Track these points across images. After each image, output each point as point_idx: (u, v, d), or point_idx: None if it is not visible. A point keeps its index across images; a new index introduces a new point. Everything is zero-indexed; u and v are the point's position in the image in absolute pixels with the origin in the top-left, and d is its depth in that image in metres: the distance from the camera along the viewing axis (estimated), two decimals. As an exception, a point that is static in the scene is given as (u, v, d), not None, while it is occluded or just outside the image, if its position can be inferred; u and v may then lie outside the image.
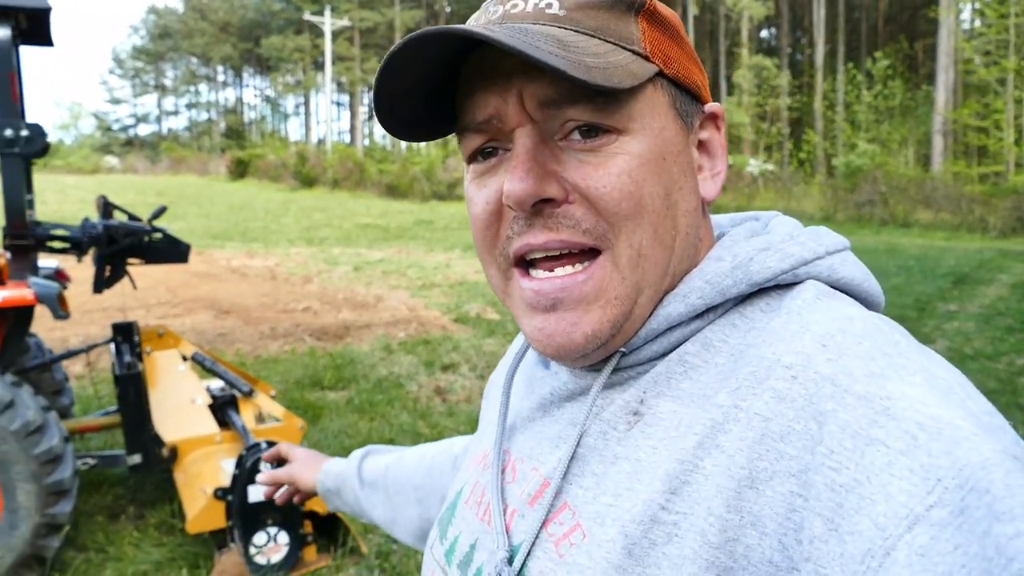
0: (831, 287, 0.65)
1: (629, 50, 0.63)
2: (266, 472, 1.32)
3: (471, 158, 0.68)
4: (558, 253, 0.63)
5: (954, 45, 31.26)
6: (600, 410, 0.66)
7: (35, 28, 3.73)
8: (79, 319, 8.68)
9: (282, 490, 1.30)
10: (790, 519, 0.51)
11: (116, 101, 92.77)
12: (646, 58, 0.63)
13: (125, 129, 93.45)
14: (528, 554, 0.64)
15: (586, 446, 0.65)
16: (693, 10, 46.49)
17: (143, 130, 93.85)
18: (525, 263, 0.66)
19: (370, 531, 3.85)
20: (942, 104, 30.57)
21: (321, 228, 20.72)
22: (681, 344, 0.65)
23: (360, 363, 7.08)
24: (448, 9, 68.49)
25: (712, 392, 0.60)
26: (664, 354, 0.66)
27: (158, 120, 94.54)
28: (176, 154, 62.61)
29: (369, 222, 22.41)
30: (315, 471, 1.26)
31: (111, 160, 66.70)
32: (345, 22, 57.92)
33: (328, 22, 52.55)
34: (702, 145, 0.71)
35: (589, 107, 0.61)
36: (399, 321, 8.99)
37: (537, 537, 0.64)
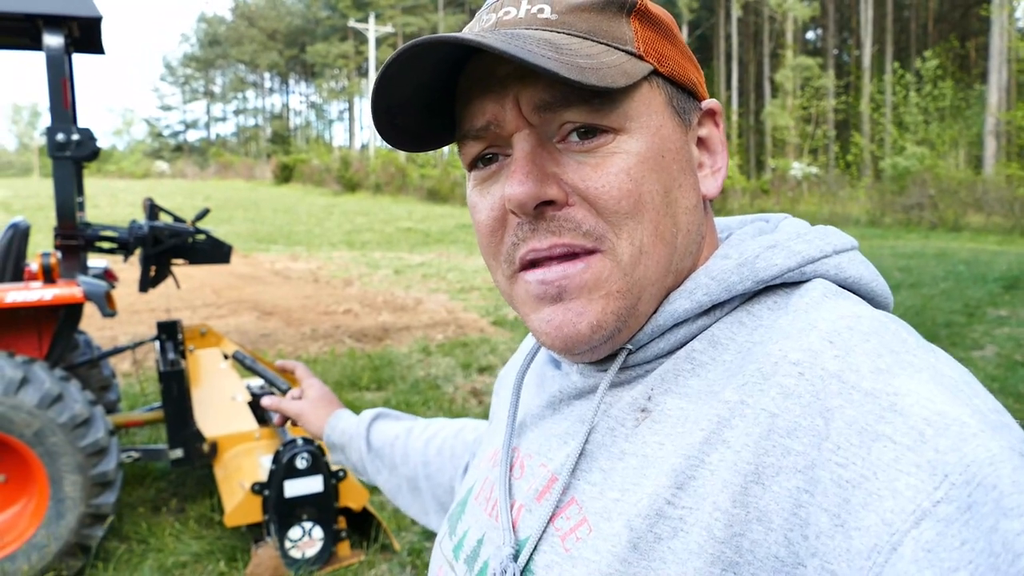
0: (839, 286, 0.65)
1: (622, 50, 0.63)
2: (275, 399, 1.28)
3: (472, 165, 0.69)
4: (562, 256, 0.64)
5: (1007, 44, 30.40)
6: (608, 407, 0.67)
7: (87, 36, 3.87)
8: (128, 318, 8.94)
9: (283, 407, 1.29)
10: (796, 515, 0.51)
11: (167, 108, 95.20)
12: (640, 57, 0.64)
13: (175, 135, 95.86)
14: (535, 548, 0.65)
15: (594, 443, 0.66)
16: (737, 12, 46.02)
17: (192, 136, 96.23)
18: (531, 263, 0.66)
19: (403, 528, 3.91)
20: (995, 104, 29.72)
21: (363, 232, 20.99)
22: (688, 342, 0.66)
23: (398, 364, 7.17)
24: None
25: (719, 388, 0.60)
26: (671, 351, 0.66)
27: (207, 126, 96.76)
28: (224, 159, 63.92)
29: (410, 226, 22.62)
30: (323, 418, 1.25)
31: (161, 165, 68.38)
32: (389, 28, 58.52)
33: (372, 29, 53.18)
34: (702, 142, 0.71)
35: (585, 108, 0.61)
36: (438, 323, 9.07)
37: (544, 532, 0.65)
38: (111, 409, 4.63)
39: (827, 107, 40.99)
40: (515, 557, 0.65)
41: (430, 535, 3.88)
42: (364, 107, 76.41)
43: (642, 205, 0.62)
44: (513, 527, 0.68)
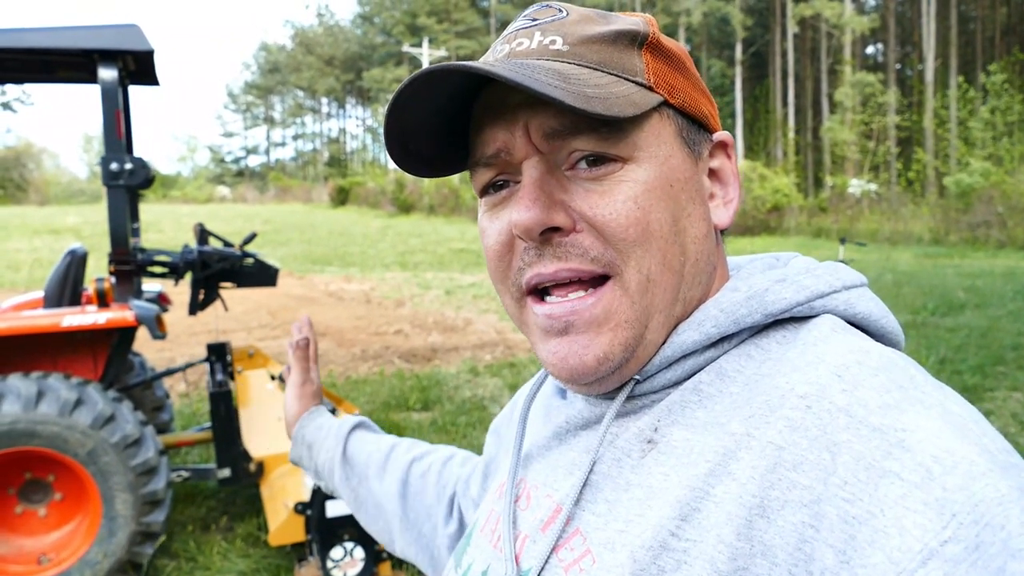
0: (849, 322, 0.65)
1: (632, 81, 0.64)
2: (290, 350, 1.25)
3: (483, 191, 0.70)
4: (568, 281, 0.65)
5: (1078, 55, 29.32)
6: (614, 438, 0.67)
7: (142, 69, 4.03)
8: (187, 340, 9.19)
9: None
10: (801, 550, 0.51)
11: (229, 134, 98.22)
12: (649, 88, 0.65)
13: (237, 160, 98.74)
14: None
15: (600, 473, 0.66)
16: (793, 28, 45.45)
17: (253, 161, 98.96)
18: (539, 291, 0.67)
19: (444, 550, 3.91)
20: (1066, 118, 28.68)
21: (416, 253, 21.24)
22: (695, 373, 0.66)
23: (446, 385, 7.21)
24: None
25: (725, 420, 0.60)
26: (678, 382, 0.66)
27: (267, 151, 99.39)
28: (282, 183, 65.56)
29: (463, 247, 22.80)
30: (303, 402, 1.23)
31: (223, 190, 70.44)
32: (442, 52, 59.37)
33: (426, 53, 54.03)
34: (713, 173, 0.72)
35: (593, 137, 0.62)
36: (486, 344, 9.10)
37: (547, 562, 0.65)
38: (163, 429, 4.76)
39: (889, 123, 40.07)
40: None
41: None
42: (419, 130, 77.43)
43: (649, 233, 0.63)
44: (517, 558, 0.68)
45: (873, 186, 31.36)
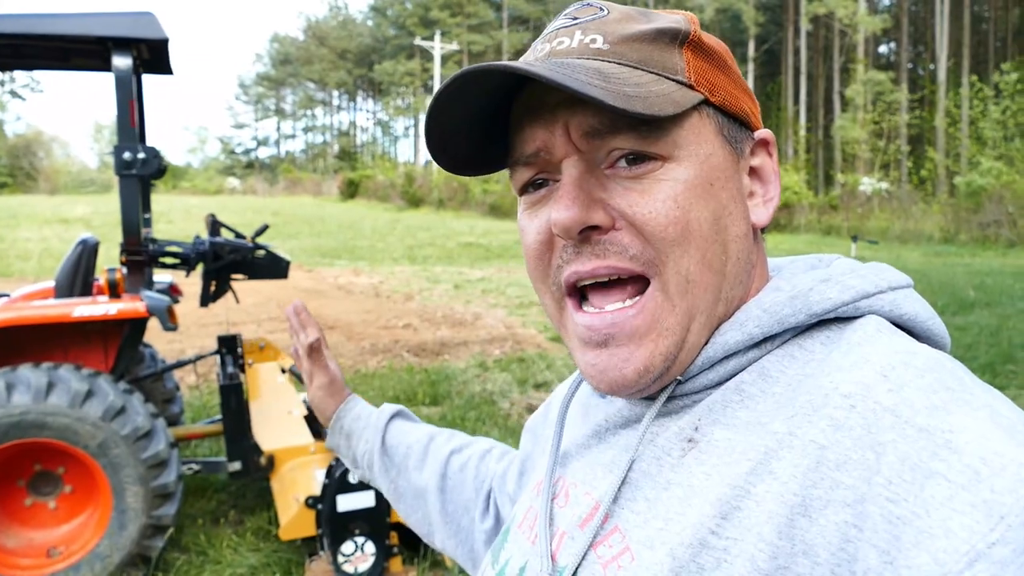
0: (894, 324, 0.64)
1: (673, 80, 0.64)
2: (304, 359, 1.21)
3: (522, 190, 0.71)
4: (607, 280, 0.65)
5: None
6: (654, 436, 0.67)
7: (156, 58, 3.99)
8: (197, 331, 9.19)
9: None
10: (844, 549, 0.50)
11: (239, 126, 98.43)
12: (690, 87, 0.64)
13: (247, 152, 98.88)
14: (575, 575, 0.65)
15: (640, 472, 0.66)
16: (806, 25, 45.20)
17: (263, 153, 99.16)
18: (578, 291, 0.67)
19: (455, 547, 3.88)
20: (1079, 119, 28.46)
21: (425, 247, 21.23)
22: (737, 373, 0.65)
23: (455, 379, 7.18)
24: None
25: (768, 420, 0.59)
26: (719, 383, 0.66)
27: (277, 143, 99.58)
28: (292, 175, 65.69)
29: (472, 241, 22.80)
30: (335, 398, 1.20)
31: (233, 181, 70.67)
32: (454, 46, 59.32)
33: (438, 47, 53.99)
34: (754, 171, 0.71)
35: (633, 136, 0.62)
36: (495, 339, 9.08)
37: (584, 558, 0.64)
38: (174, 422, 4.74)
39: (900, 122, 39.83)
40: None
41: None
42: (428, 124, 77.42)
43: (689, 232, 0.62)
44: (554, 555, 0.68)
45: (884, 184, 31.19)
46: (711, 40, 0.68)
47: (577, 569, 0.65)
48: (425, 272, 15.82)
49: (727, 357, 0.65)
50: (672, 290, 0.63)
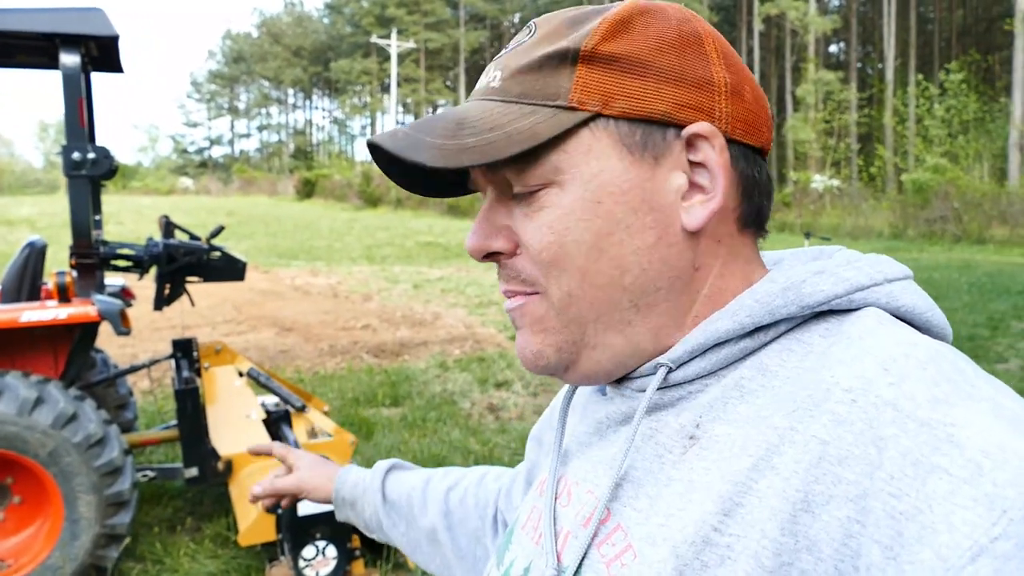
0: (893, 315, 0.64)
1: (550, 106, 0.64)
2: (268, 482, 1.24)
3: None
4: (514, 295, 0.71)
5: (1032, 56, 30.00)
6: (655, 433, 0.67)
7: (105, 55, 3.90)
8: (150, 335, 9.00)
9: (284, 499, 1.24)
10: (847, 545, 0.50)
11: (192, 124, 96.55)
12: (572, 108, 0.63)
13: (200, 151, 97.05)
14: (579, 574, 0.65)
15: (641, 469, 0.66)
16: (758, 26, 45.90)
17: (217, 152, 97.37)
18: None
19: (418, 549, 3.87)
20: (1019, 117, 29.35)
21: (383, 247, 21.08)
22: (732, 363, 0.65)
23: (415, 380, 7.15)
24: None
25: (768, 414, 0.59)
26: (713, 372, 0.66)
27: (231, 142, 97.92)
28: (247, 175, 64.68)
29: (431, 240, 22.70)
30: (327, 478, 1.22)
31: (186, 181, 69.36)
32: (411, 44, 59.01)
33: (395, 44, 53.65)
34: (699, 166, 0.66)
35: (512, 169, 0.66)
36: (455, 339, 9.05)
37: (586, 557, 0.65)
38: (128, 428, 4.63)
39: (849, 120, 40.66)
40: None
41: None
42: (386, 122, 76.94)
43: (564, 256, 0.65)
44: (559, 555, 0.69)
45: (835, 182, 31.79)
46: (617, 44, 0.64)
47: (580, 567, 0.65)
48: (384, 272, 15.70)
49: (718, 345, 0.65)
50: (555, 303, 0.67)
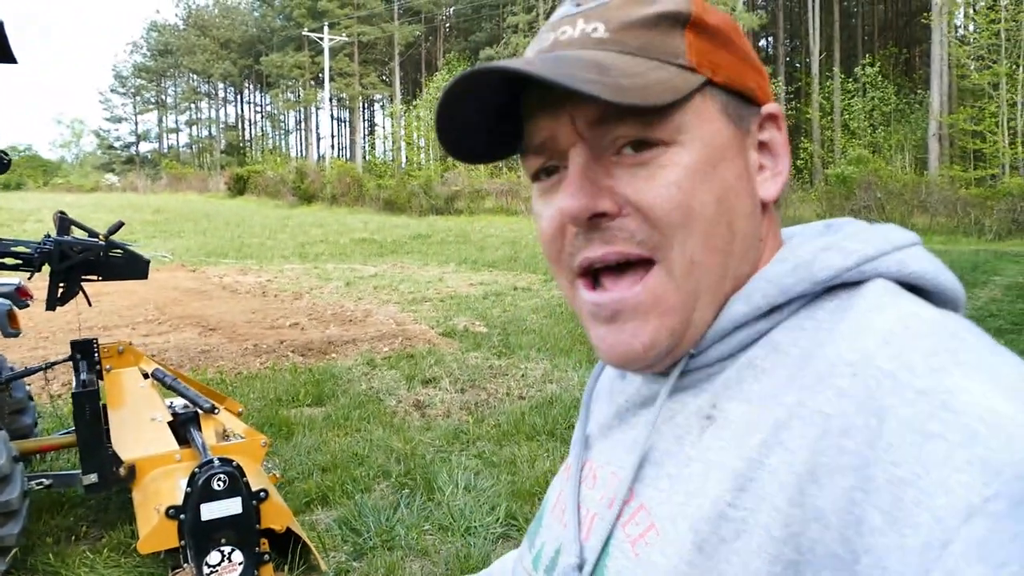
0: (903, 284, 0.65)
1: (674, 64, 0.65)
2: None
3: (535, 177, 0.73)
4: (616, 264, 0.67)
5: (948, 51, 31.17)
6: (674, 414, 0.69)
7: (-9, 45, 3.69)
8: (64, 337, 8.64)
9: None
10: (851, 512, 0.52)
11: (117, 119, 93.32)
12: (692, 70, 0.65)
13: (127, 147, 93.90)
14: (606, 554, 0.67)
15: (662, 450, 0.68)
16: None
17: (144, 148, 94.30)
18: (591, 274, 0.69)
19: (331, 548, 3.78)
20: (937, 109, 30.49)
21: (317, 244, 20.72)
22: (748, 345, 0.67)
23: (340, 378, 7.02)
24: (447, 25, 68.81)
25: (780, 392, 0.61)
26: (731, 355, 0.67)
27: (159, 138, 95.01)
28: (176, 171, 62.96)
29: (365, 237, 22.42)
30: None
31: (111, 178, 67.17)
32: (344, 38, 58.16)
33: (327, 38, 52.82)
34: (764, 146, 0.72)
35: (636, 123, 0.64)
36: (385, 336, 8.93)
37: (611, 536, 0.67)
38: (26, 434, 4.42)
39: (778, 113, 41.59)
40: (580, 567, 0.69)
41: (359, 554, 3.76)
42: (321, 118, 75.74)
43: (692, 216, 0.64)
44: (585, 537, 0.72)
45: (766, 174, 32.56)
46: (715, 17, 0.69)
47: (606, 547, 0.67)
48: (316, 269, 15.42)
49: (737, 329, 0.67)
50: (677, 272, 0.65)
